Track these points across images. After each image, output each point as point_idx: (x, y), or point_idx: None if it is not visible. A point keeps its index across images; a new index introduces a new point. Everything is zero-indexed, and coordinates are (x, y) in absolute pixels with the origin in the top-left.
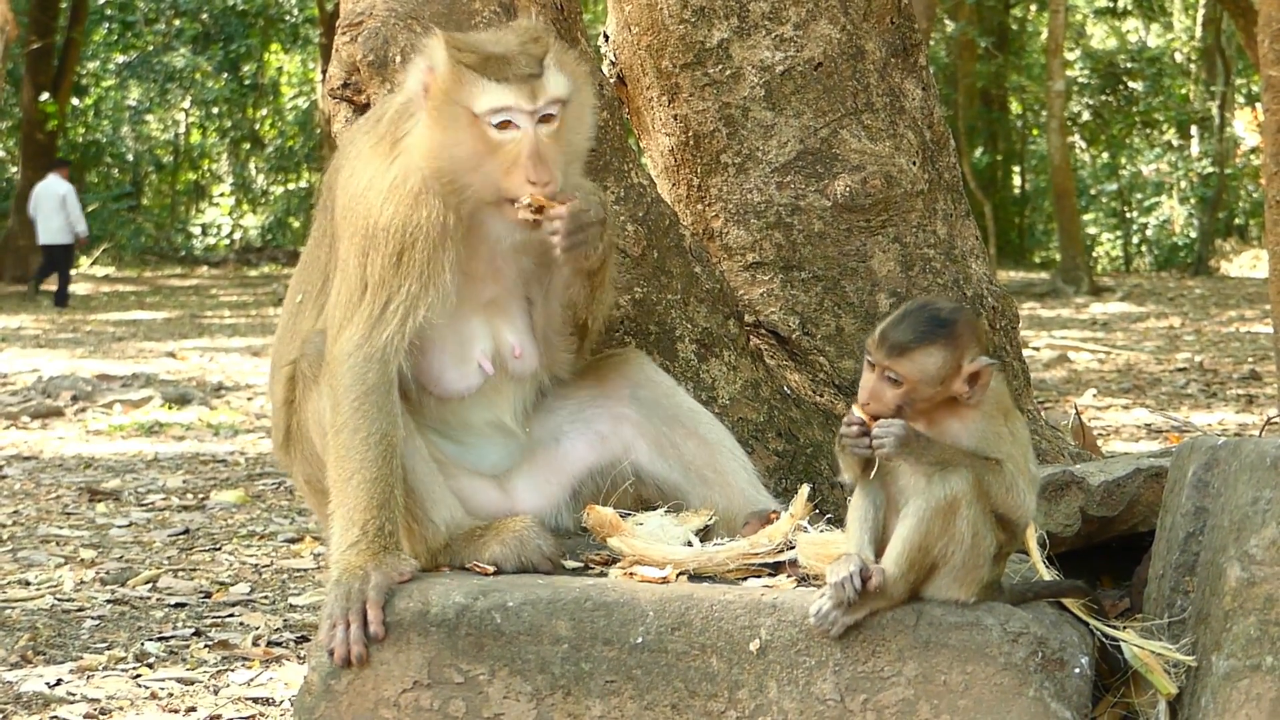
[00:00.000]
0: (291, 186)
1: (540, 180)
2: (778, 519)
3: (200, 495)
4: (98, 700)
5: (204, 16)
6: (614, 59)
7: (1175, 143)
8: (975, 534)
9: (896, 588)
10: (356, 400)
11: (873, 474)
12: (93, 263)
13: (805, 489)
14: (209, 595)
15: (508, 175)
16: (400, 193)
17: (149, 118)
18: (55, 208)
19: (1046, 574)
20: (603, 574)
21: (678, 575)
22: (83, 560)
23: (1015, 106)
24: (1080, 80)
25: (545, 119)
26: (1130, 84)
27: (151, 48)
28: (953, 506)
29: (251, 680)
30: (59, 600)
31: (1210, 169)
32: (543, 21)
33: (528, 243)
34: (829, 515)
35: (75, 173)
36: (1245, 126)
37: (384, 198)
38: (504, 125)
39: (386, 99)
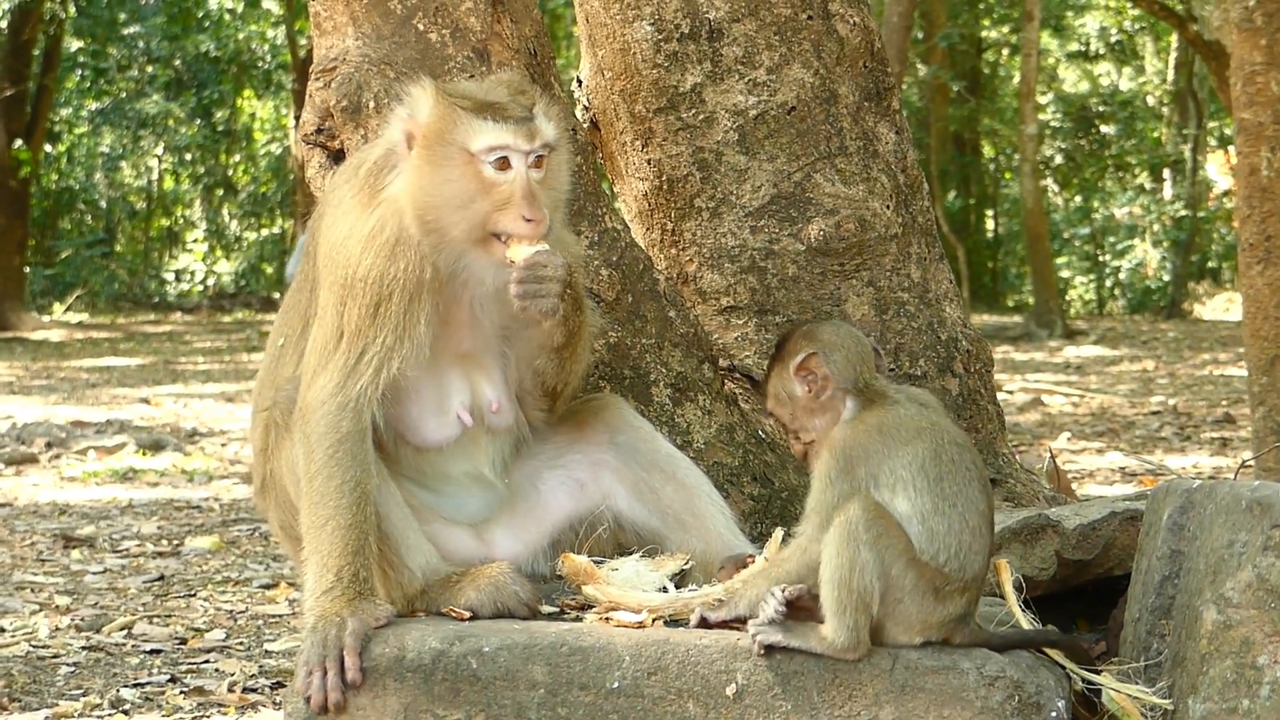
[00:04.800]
0: (265, 232)
1: (536, 216)
2: (753, 563)
3: (175, 541)
4: None
5: (176, 63)
6: (587, 103)
7: (1148, 186)
8: (882, 561)
9: (838, 636)
10: (330, 448)
11: None
12: (66, 309)
13: (779, 532)
14: (184, 641)
15: (501, 212)
16: (378, 242)
17: (122, 164)
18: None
19: (1022, 618)
20: (579, 619)
21: (654, 620)
22: (58, 607)
23: (988, 150)
24: (1053, 124)
25: (536, 163)
26: (1103, 127)
27: (124, 94)
28: (850, 533)
29: None
30: (34, 647)
31: (1183, 212)
32: (517, 66)
33: (501, 292)
34: None
35: (47, 220)
36: (1218, 170)
37: (362, 247)
38: (501, 165)
39: (366, 148)
